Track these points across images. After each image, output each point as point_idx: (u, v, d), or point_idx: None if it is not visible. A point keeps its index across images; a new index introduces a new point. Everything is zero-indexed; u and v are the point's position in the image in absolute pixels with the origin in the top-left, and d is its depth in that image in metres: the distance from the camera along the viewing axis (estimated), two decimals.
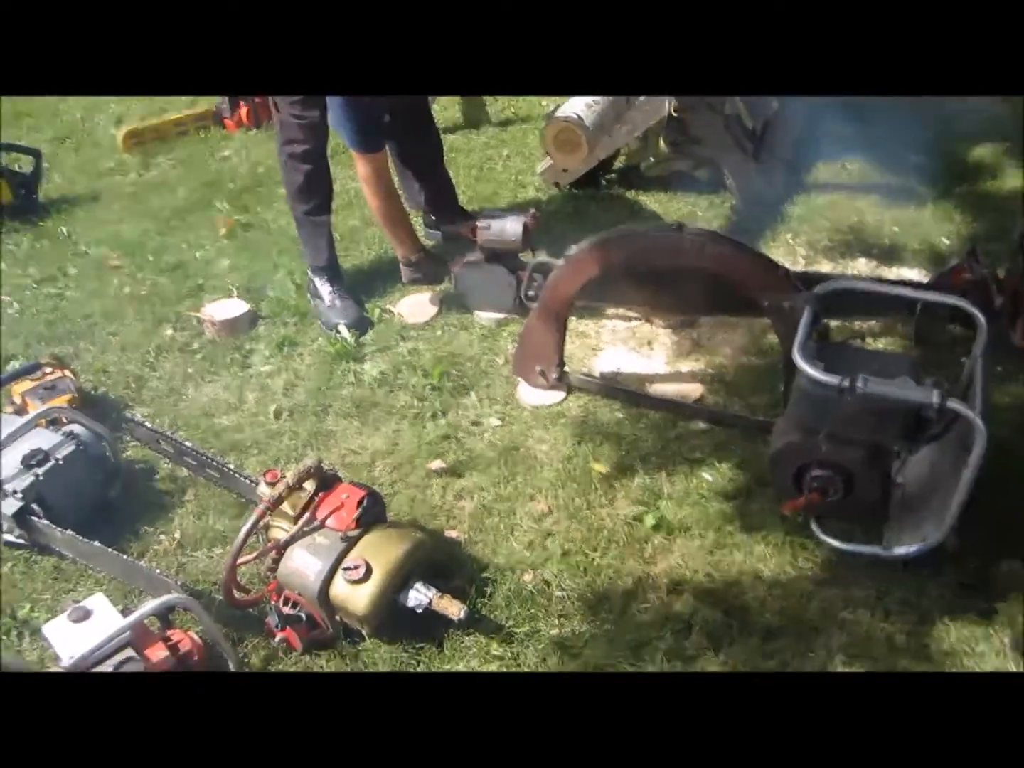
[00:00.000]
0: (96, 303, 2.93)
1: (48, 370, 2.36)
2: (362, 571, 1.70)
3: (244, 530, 1.73)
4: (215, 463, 2.08)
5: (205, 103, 4.18)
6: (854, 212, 3.20)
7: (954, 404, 1.72)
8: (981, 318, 1.95)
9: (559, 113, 3.06)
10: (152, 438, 2.19)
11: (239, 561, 1.75)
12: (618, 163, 3.56)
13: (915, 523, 1.89)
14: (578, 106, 3.07)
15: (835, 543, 1.94)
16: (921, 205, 3.11)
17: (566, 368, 2.43)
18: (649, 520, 2.04)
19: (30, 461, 1.97)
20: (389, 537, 1.80)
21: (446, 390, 2.46)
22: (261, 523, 1.79)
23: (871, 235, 3.06)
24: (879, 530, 1.94)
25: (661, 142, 3.46)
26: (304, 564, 1.75)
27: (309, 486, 1.83)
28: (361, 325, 2.70)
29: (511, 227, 2.48)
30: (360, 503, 1.79)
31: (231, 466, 2.09)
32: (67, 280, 3.08)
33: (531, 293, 2.43)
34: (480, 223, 2.50)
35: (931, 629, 1.78)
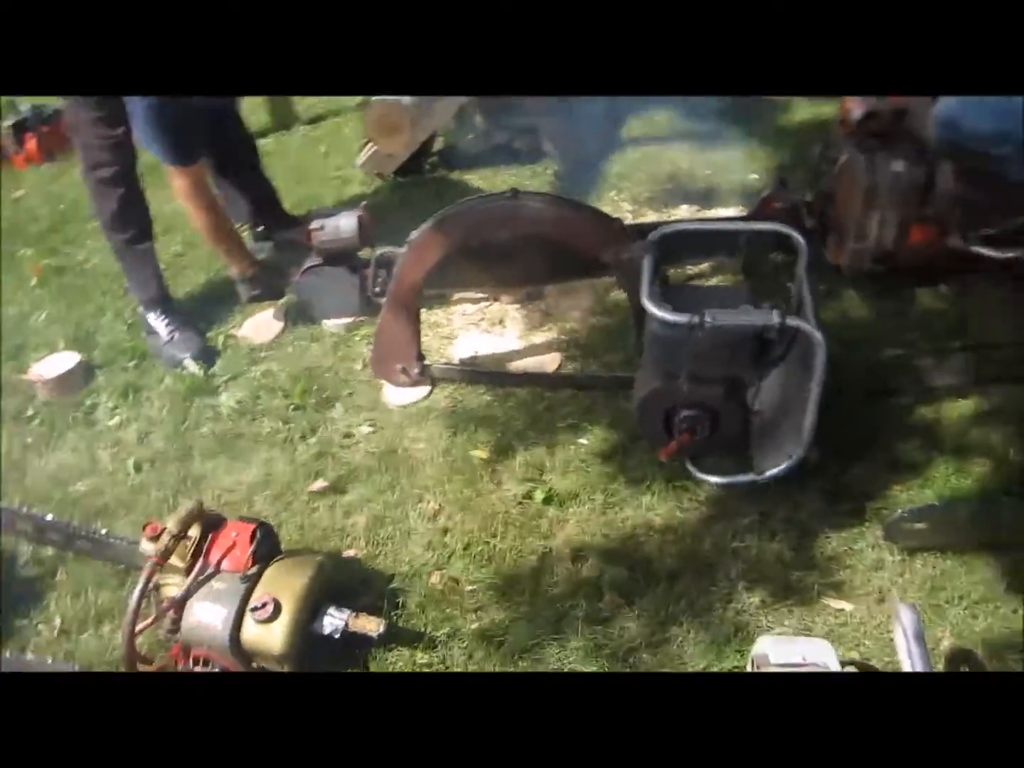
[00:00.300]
0: None
1: None
2: (270, 608, 1.66)
3: (136, 594, 1.64)
4: (84, 533, 1.95)
5: None
6: (668, 162, 3.35)
7: (793, 321, 1.85)
8: (800, 239, 2.10)
9: (379, 97, 3.01)
10: (7, 519, 2.04)
11: (137, 629, 1.66)
12: (438, 145, 3.56)
13: (777, 445, 2.03)
14: None
15: (712, 479, 2.05)
16: (727, 146, 3.28)
17: (426, 360, 2.44)
18: (539, 495, 2.09)
19: None
20: (290, 567, 1.76)
21: (310, 407, 2.41)
22: (152, 582, 1.70)
23: (687, 181, 3.22)
24: (748, 458, 2.07)
25: (478, 116, 3.49)
26: (207, 615, 1.69)
27: (195, 532, 1.76)
28: (207, 356, 2.59)
29: (346, 224, 2.42)
30: (253, 538, 1.74)
31: (102, 532, 1.97)
32: None
33: (378, 289, 2.39)
34: (313, 225, 2.42)
35: (814, 540, 1.93)
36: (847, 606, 1.81)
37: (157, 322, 2.63)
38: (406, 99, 2.98)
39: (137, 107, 2.32)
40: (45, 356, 2.65)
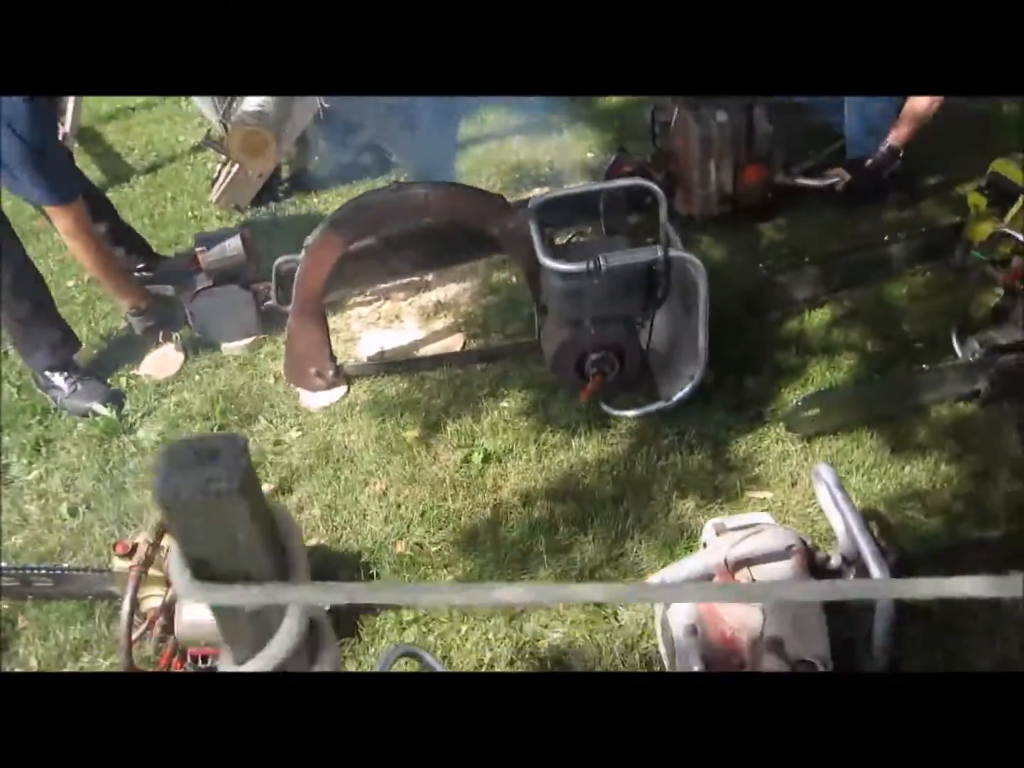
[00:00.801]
0: None
1: None
2: None
3: (126, 604, 1.66)
4: (44, 571, 1.94)
5: None
6: (509, 153, 3.60)
7: (675, 252, 2.11)
8: (657, 189, 2.35)
9: (241, 118, 3.07)
10: None
11: (133, 639, 1.69)
12: (284, 173, 3.65)
13: (677, 371, 2.30)
14: (252, 108, 3.09)
15: (628, 413, 2.29)
16: (558, 132, 3.57)
17: (338, 361, 2.54)
18: (476, 458, 2.25)
19: None
20: None
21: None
22: (138, 591, 1.73)
23: (533, 168, 3.47)
24: (653, 388, 2.32)
25: (320, 140, 3.61)
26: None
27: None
28: (115, 399, 2.57)
29: (231, 243, 2.50)
30: None
31: (63, 566, 1.96)
32: None
33: (281, 297, 2.48)
34: (198, 248, 2.48)
35: (726, 447, 2.19)
36: (767, 494, 2.08)
37: (55, 378, 2.57)
38: (268, 113, 3.05)
39: (8, 154, 2.26)
40: None
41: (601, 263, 2.07)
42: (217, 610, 0.70)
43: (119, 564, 1.80)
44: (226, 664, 0.79)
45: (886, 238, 2.56)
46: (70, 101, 3.52)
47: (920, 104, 2.60)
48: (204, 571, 0.64)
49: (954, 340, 2.21)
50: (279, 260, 2.47)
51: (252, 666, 0.73)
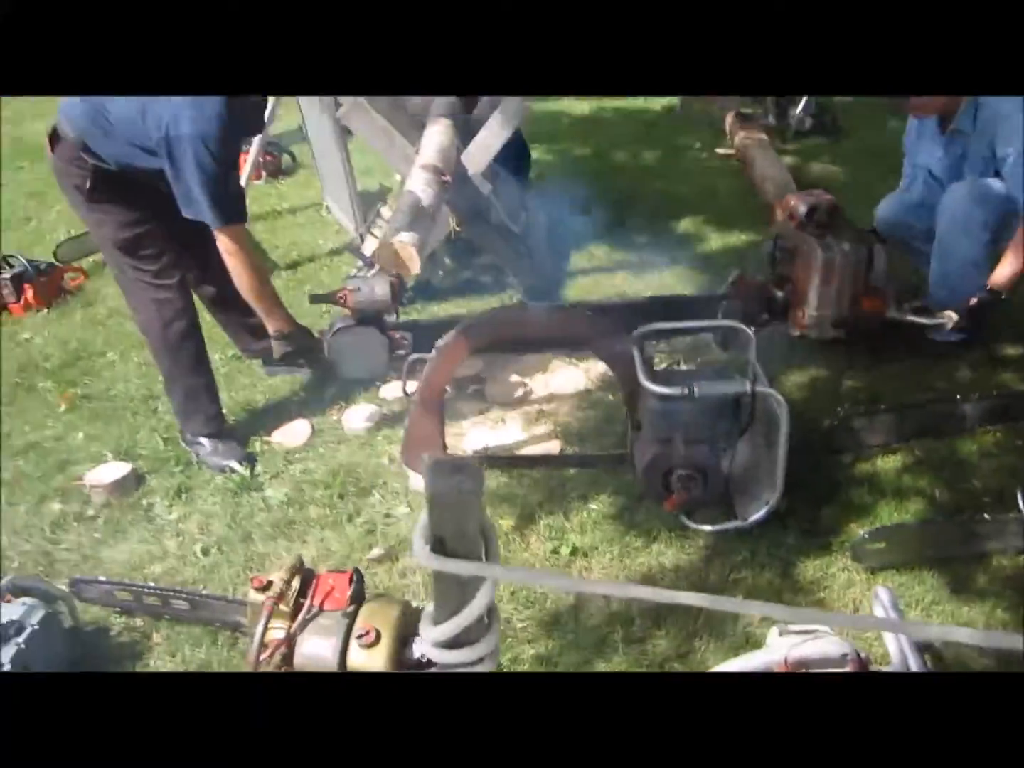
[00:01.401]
0: None
1: None
2: (373, 635, 1.98)
3: (259, 629, 1.94)
4: (184, 594, 2.23)
5: None
6: (612, 288, 3.96)
7: (761, 387, 2.38)
8: (749, 332, 2.63)
9: (390, 232, 3.42)
10: (106, 592, 2.29)
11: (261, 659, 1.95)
12: (410, 282, 4.07)
13: (755, 494, 2.52)
14: (400, 224, 3.47)
15: (706, 528, 2.51)
16: (666, 268, 3.93)
17: (448, 451, 2.84)
18: (564, 550, 2.49)
19: (8, 632, 2.02)
20: (381, 605, 2.09)
21: (350, 496, 2.77)
22: (270, 620, 2.00)
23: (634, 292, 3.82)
24: (731, 508, 2.54)
25: (446, 258, 4.04)
26: (316, 647, 1.99)
27: (295, 582, 2.09)
28: (249, 460, 2.92)
29: (380, 288, 2.64)
30: (351, 581, 2.08)
31: (201, 591, 2.26)
32: None
33: (409, 390, 2.81)
34: (350, 287, 2.63)
35: (795, 569, 2.39)
36: None
37: (203, 439, 2.93)
38: (410, 235, 3.43)
39: (187, 175, 2.44)
40: (96, 466, 2.93)
41: (695, 390, 2.35)
42: (439, 576, 0.99)
43: (254, 596, 2.08)
44: (425, 626, 1.07)
45: (958, 396, 2.78)
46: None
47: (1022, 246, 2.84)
48: (438, 547, 0.94)
49: (1019, 498, 2.38)
50: (412, 357, 2.79)
51: (451, 625, 1.01)
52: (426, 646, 1.10)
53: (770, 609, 0.99)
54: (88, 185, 2.62)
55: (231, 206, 2.53)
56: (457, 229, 3.78)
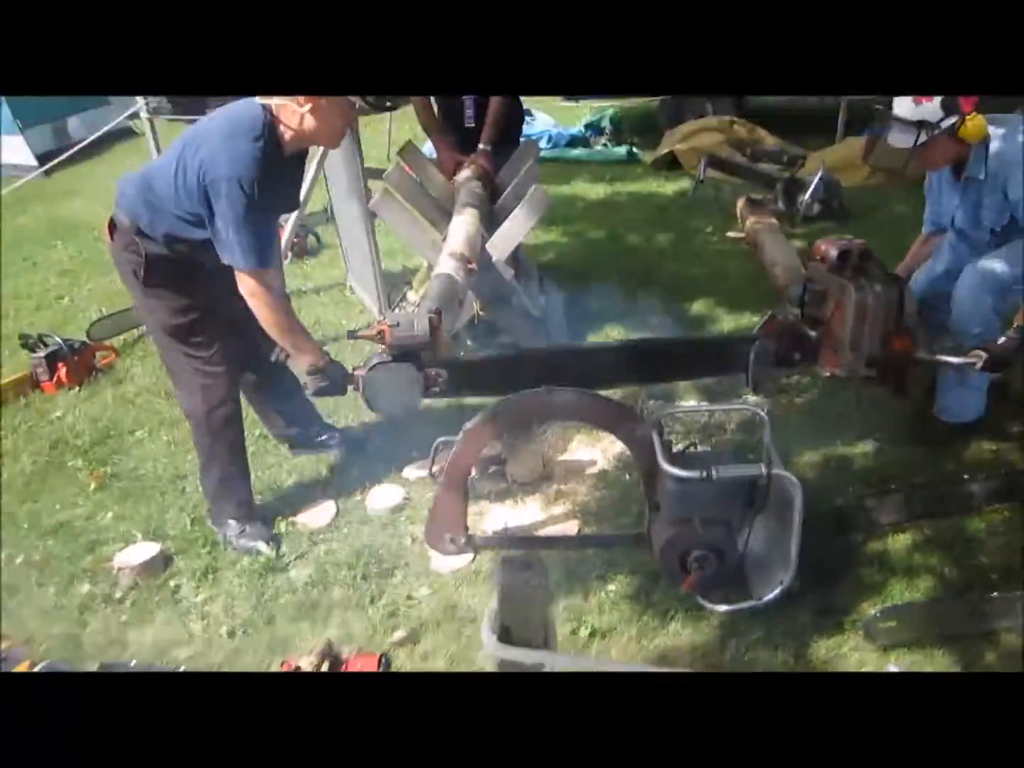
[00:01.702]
0: None
1: None
2: None
3: None
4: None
5: (22, 368, 4.31)
6: None
7: (776, 470, 2.45)
8: (763, 415, 2.71)
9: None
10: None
11: None
12: None
13: (769, 574, 2.57)
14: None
15: (721, 607, 2.55)
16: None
17: (470, 531, 2.91)
18: (583, 631, 2.54)
19: None
20: None
21: (372, 576, 2.83)
22: None
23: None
24: (746, 587, 2.59)
25: (469, 339, 4.18)
26: None
27: (324, 666, 2.15)
28: (275, 542, 3.00)
29: (420, 324, 2.61)
30: (379, 663, 2.14)
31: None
32: None
33: (435, 471, 2.88)
34: (389, 322, 2.60)
35: (808, 648, 2.43)
36: None
37: (231, 521, 3.03)
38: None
39: (220, 214, 2.52)
40: (125, 547, 3.01)
41: (713, 473, 2.42)
42: (504, 663, 1.08)
43: None
44: None
45: (966, 476, 2.84)
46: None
47: None
48: (504, 636, 1.04)
49: None
50: (438, 440, 2.86)
51: None
52: None
53: None
54: (143, 270, 2.76)
55: (259, 249, 2.57)
56: (481, 313, 3.92)
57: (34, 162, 8.49)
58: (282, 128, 2.61)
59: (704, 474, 2.42)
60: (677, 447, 2.92)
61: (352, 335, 2.83)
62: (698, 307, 4.68)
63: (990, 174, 3.01)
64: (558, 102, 8.58)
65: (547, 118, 8.11)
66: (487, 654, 1.20)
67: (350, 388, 2.75)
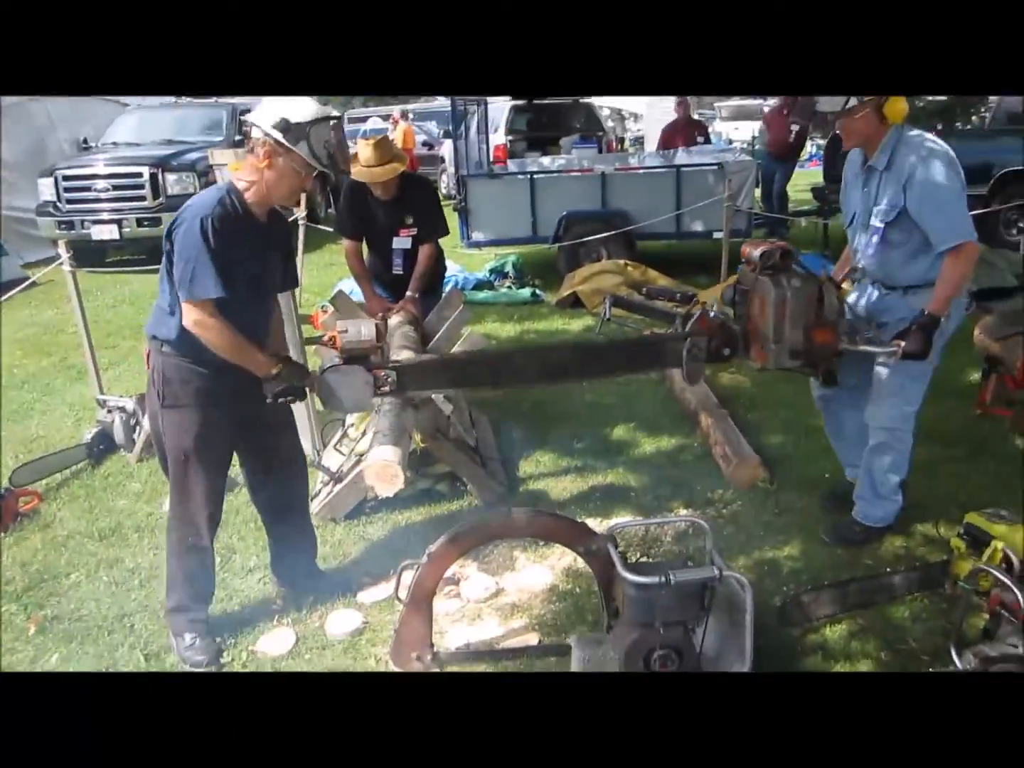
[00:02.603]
0: None
1: None
2: None
3: None
4: None
5: None
6: (563, 488, 4.29)
7: (728, 572, 2.67)
8: (705, 525, 2.95)
9: (378, 456, 3.62)
10: None
11: None
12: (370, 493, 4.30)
13: (725, 668, 2.76)
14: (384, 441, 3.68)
15: None
16: (603, 471, 4.30)
17: (435, 649, 2.99)
18: None
19: None
20: None
21: None
22: None
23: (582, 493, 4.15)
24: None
25: (408, 471, 4.31)
26: None
27: None
28: (218, 663, 3.08)
29: (366, 329, 2.84)
30: None
31: None
32: None
33: (401, 594, 2.97)
34: (339, 328, 2.83)
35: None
36: None
37: (186, 634, 3.09)
38: (395, 453, 3.61)
39: (176, 250, 2.78)
40: None
41: (671, 577, 2.62)
42: None
43: None
44: None
45: (887, 569, 3.15)
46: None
47: (953, 280, 3.09)
48: None
49: (953, 654, 2.69)
50: (404, 562, 2.97)
51: None
52: None
53: None
54: (160, 388, 2.98)
55: (201, 283, 2.75)
56: (421, 444, 4.09)
57: None
58: (242, 184, 2.88)
59: (662, 579, 2.63)
60: (632, 558, 3.14)
61: (308, 342, 3.04)
62: (617, 432, 4.99)
63: (891, 168, 3.18)
64: (460, 249, 9.06)
65: (453, 264, 8.55)
66: None
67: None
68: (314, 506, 4.11)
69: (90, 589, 3.63)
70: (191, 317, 2.81)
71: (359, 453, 4.09)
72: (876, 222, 3.26)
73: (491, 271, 9.02)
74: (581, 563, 3.51)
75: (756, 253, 3.09)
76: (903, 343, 3.09)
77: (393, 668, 2.95)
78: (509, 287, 8.76)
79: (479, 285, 8.75)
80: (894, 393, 3.35)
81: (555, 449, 4.74)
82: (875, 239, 3.27)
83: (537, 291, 8.59)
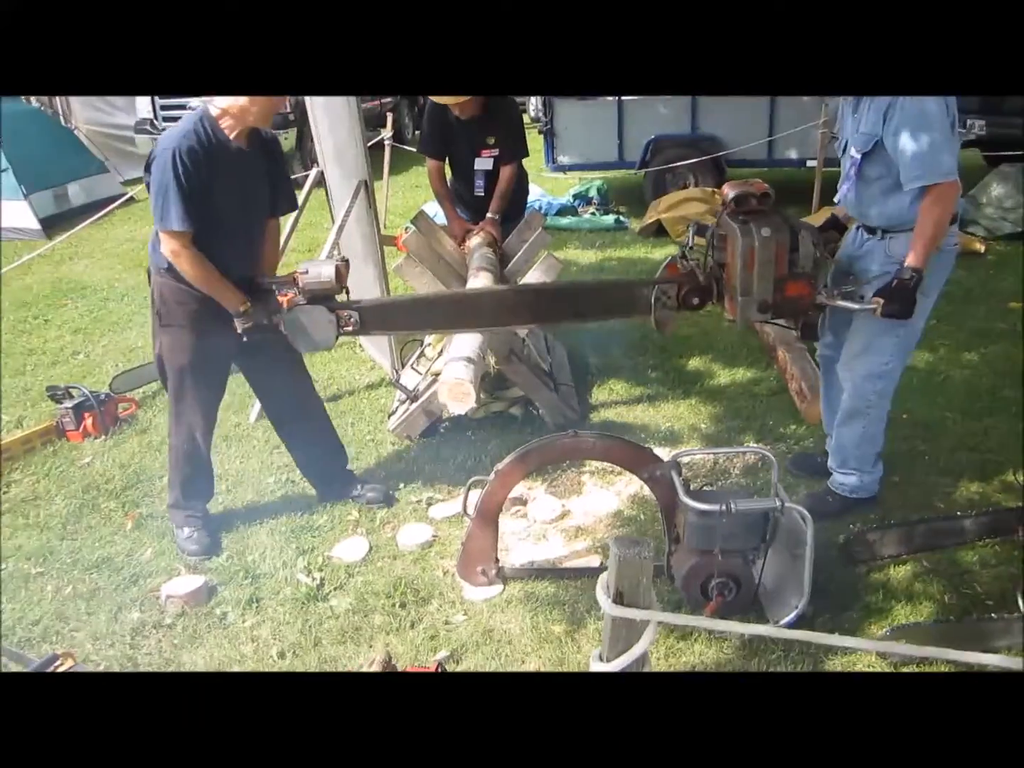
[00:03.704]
0: (36, 609, 3.08)
1: (59, 661, 2.54)
2: None
3: None
4: None
5: (46, 419, 4.46)
6: (633, 416, 4.33)
7: (790, 504, 2.69)
8: (771, 456, 2.94)
9: (451, 374, 3.71)
10: None
11: None
12: (445, 414, 4.41)
13: (783, 601, 2.79)
14: (458, 361, 3.75)
15: (739, 630, 2.76)
16: (677, 401, 4.31)
17: (500, 563, 3.11)
18: None
19: None
20: None
21: (409, 604, 3.01)
22: None
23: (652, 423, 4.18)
24: (761, 613, 2.81)
25: (481, 393, 4.40)
26: None
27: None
28: (214, 550, 3.36)
29: (326, 271, 2.90)
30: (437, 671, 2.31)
31: None
32: None
33: (470, 510, 3.09)
34: (300, 269, 2.93)
35: (823, 665, 2.63)
36: None
37: (185, 525, 3.40)
38: (469, 372, 3.69)
39: (153, 180, 2.87)
40: (170, 579, 3.16)
41: (732, 506, 2.66)
42: (615, 622, 1.29)
43: None
44: (595, 662, 1.36)
45: (959, 513, 3.11)
46: None
47: (927, 229, 2.80)
48: (618, 599, 1.25)
49: (1019, 600, 2.67)
50: (472, 478, 3.09)
51: (620, 661, 1.30)
52: None
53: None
54: (158, 308, 3.15)
55: (176, 213, 2.84)
56: (496, 367, 4.16)
57: (37, 226, 8.72)
58: (215, 110, 2.93)
59: (724, 507, 2.66)
60: (694, 486, 3.18)
61: (269, 282, 3.16)
62: (693, 363, 4.97)
63: (875, 102, 2.86)
64: (545, 173, 8.97)
65: (537, 188, 8.49)
66: (604, 613, 1.40)
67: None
68: (391, 423, 4.26)
69: None
70: (167, 246, 2.93)
71: (435, 373, 4.20)
72: (853, 152, 2.97)
73: (575, 196, 8.91)
74: (647, 491, 3.57)
75: (731, 194, 2.81)
76: (882, 301, 2.84)
77: (460, 581, 3.09)
78: (592, 213, 8.66)
79: (562, 210, 8.67)
80: (865, 349, 3.12)
81: (629, 377, 4.76)
82: (852, 171, 2.99)
83: (621, 218, 8.48)
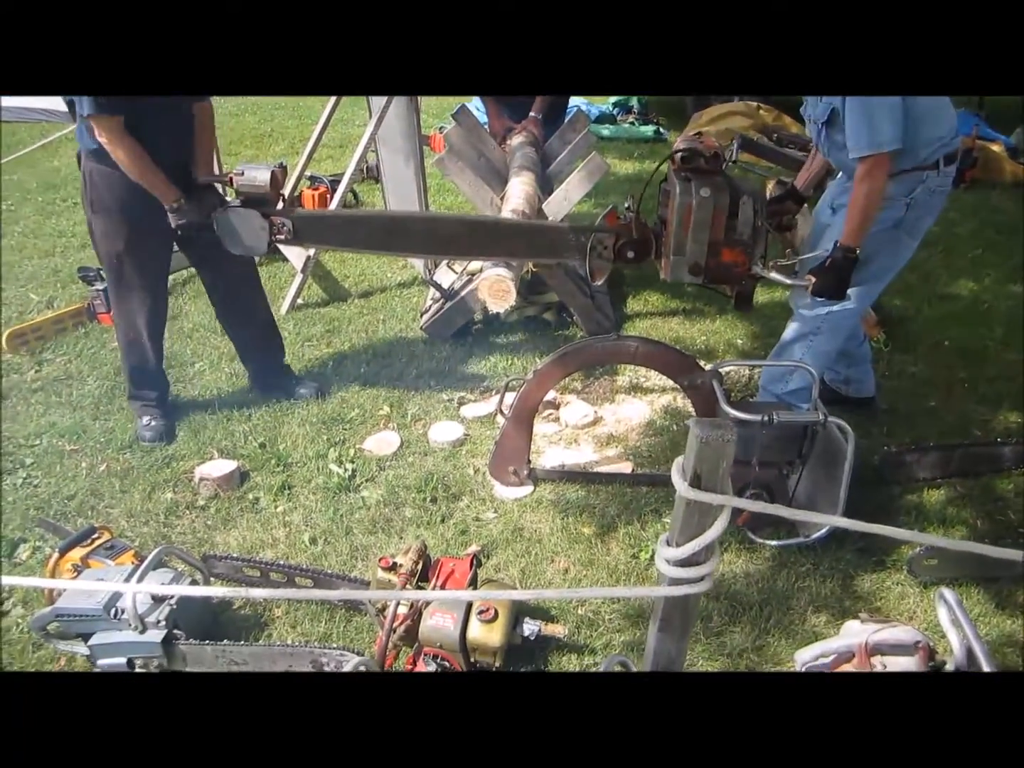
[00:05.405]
0: (72, 485, 3.12)
1: (96, 535, 2.59)
2: (492, 612, 2.23)
3: (396, 598, 2.19)
4: (309, 572, 2.48)
5: (76, 301, 4.44)
6: (669, 330, 4.26)
7: (832, 419, 2.65)
8: (813, 371, 2.90)
9: (493, 271, 3.65)
10: (234, 567, 2.53)
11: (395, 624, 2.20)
12: (477, 315, 4.37)
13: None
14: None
15: (771, 543, 2.77)
16: (712, 317, 4.24)
17: (532, 465, 3.11)
18: (643, 555, 2.74)
19: (160, 595, 2.26)
20: (496, 587, 2.34)
21: (440, 499, 3.02)
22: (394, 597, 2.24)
23: (687, 337, 4.12)
24: (793, 527, 2.80)
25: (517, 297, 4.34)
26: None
27: (418, 565, 2.34)
28: (167, 437, 3.41)
29: (261, 175, 2.77)
30: (472, 564, 2.33)
31: (325, 570, 2.50)
32: (28, 470, 3.22)
33: (504, 408, 3.07)
34: (235, 171, 2.79)
35: (854, 580, 2.64)
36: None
37: (143, 414, 3.45)
38: (508, 270, 3.64)
39: None
40: (204, 462, 3.19)
41: (774, 418, 2.62)
42: (688, 506, 1.27)
43: (381, 575, 2.33)
44: (662, 547, 1.35)
45: (998, 440, 3.07)
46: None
47: (858, 203, 2.75)
48: (695, 482, 1.22)
49: None
50: (510, 377, 3.06)
51: (691, 546, 1.28)
52: (660, 563, 1.42)
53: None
54: (88, 194, 3.12)
55: (105, 100, 2.79)
56: (533, 269, 4.09)
57: (64, 108, 8.53)
58: None
59: (765, 418, 2.62)
60: (735, 396, 3.14)
61: (207, 178, 3.11)
62: None
63: None
64: None
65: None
66: (680, 496, 1.38)
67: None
68: (422, 321, 4.22)
69: (212, 379, 3.87)
70: (102, 136, 2.87)
71: (471, 272, 4.13)
72: (817, 118, 2.90)
73: (615, 104, 8.64)
74: (680, 403, 3.55)
75: (679, 152, 2.67)
76: (813, 279, 2.80)
77: (491, 479, 3.10)
78: (632, 123, 8.40)
79: (601, 118, 8.42)
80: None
81: (665, 290, 4.67)
82: (822, 137, 2.93)
83: (661, 129, 8.24)
